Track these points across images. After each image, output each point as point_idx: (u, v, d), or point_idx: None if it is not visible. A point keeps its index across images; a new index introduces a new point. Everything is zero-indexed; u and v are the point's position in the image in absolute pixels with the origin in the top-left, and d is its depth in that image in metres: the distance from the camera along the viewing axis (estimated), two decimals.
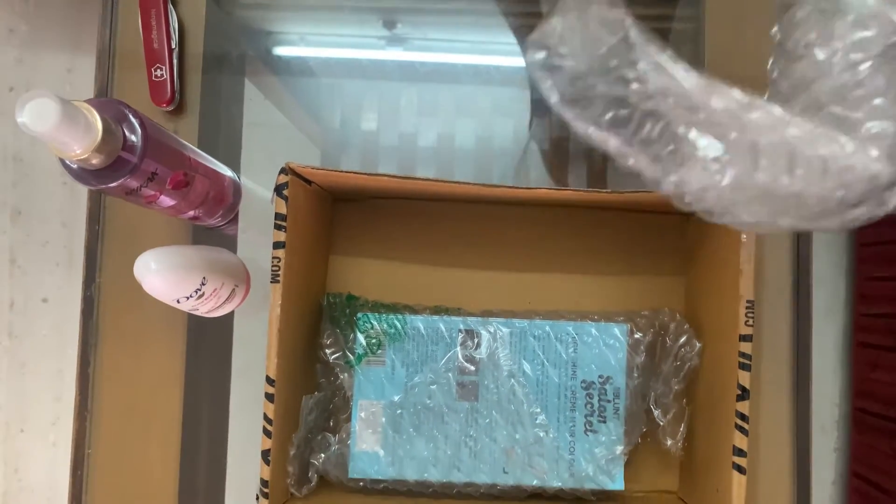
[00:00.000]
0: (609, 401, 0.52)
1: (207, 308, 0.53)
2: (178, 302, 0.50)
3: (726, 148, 0.32)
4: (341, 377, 0.53)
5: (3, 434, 1.36)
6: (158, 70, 0.58)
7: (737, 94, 0.32)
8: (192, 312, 0.53)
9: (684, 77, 0.32)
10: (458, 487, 0.52)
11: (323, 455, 0.52)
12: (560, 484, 0.52)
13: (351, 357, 0.52)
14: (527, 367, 0.52)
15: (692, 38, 0.61)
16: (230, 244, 0.59)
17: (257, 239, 0.59)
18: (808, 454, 0.57)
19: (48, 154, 0.40)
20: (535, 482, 0.52)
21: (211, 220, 0.56)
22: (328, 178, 0.49)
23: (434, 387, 0.52)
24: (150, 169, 0.44)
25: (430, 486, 0.53)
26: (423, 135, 0.61)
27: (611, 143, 0.33)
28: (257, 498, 0.46)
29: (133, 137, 0.42)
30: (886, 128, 0.33)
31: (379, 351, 0.52)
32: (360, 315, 0.53)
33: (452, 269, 0.57)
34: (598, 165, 0.61)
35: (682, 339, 0.53)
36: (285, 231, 0.46)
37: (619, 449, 0.52)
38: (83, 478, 0.57)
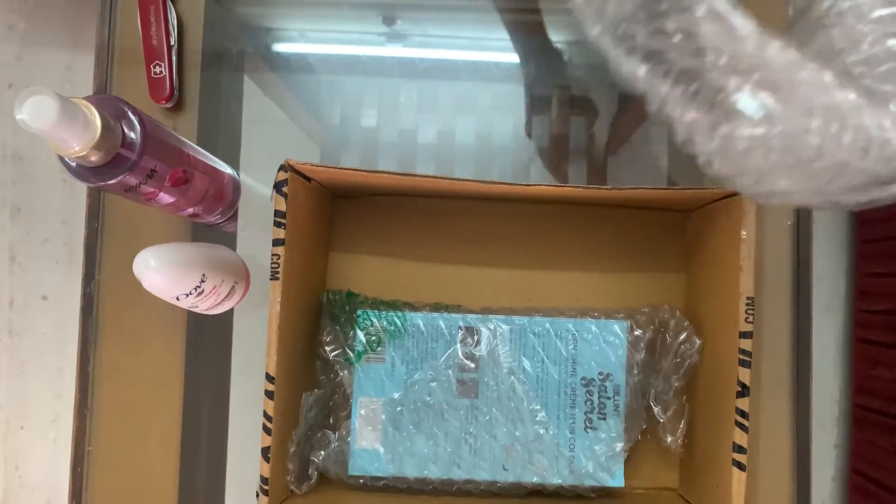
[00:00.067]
0: (609, 398, 0.52)
1: (207, 305, 0.53)
2: (177, 299, 0.50)
3: (779, 104, 0.30)
4: (341, 374, 0.53)
5: (3, 431, 1.36)
6: (157, 67, 0.57)
7: (792, 50, 0.30)
8: (191, 310, 0.53)
9: (742, 25, 0.30)
10: (458, 484, 0.52)
11: (323, 452, 0.52)
12: (560, 481, 0.52)
13: (351, 354, 0.52)
14: (527, 364, 0.52)
15: None
16: (230, 241, 0.59)
17: (257, 236, 0.58)
18: (808, 451, 0.57)
19: (47, 151, 0.40)
20: (535, 479, 0.52)
21: (210, 218, 0.56)
22: (328, 175, 0.49)
23: (434, 384, 0.52)
24: (149, 166, 0.44)
25: (430, 484, 0.53)
26: (422, 131, 0.61)
27: (649, 85, 0.32)
28: (257, 495, 0.46)
29: (132, 134, 0.42)
30: None
31: (379, 348, 0.52)
32: (359, 312, 0.53)
33: (452, 266, 0.57)
34: (598, 162, 0.61)
35: (682, 336, 0.53)
36: (285, 228, 0.46)
37: (619, 446, 0.52)
38: (83, 475, 0.57)
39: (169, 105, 0.58)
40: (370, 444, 0.52)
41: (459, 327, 0.52)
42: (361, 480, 0.53)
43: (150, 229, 0.58)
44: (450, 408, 0.52)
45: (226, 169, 0.56)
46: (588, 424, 0.52)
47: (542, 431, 0.52)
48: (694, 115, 0.31)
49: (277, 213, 0.46)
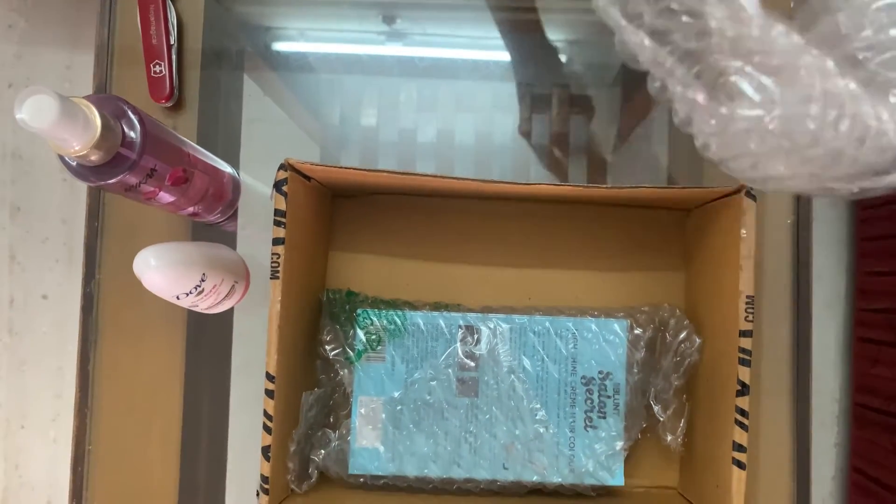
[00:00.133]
0: (609, 396, 0.52)
1: (207, 304, 0.53)
2: (177, 298, 0.50)
3: (779, 87, 0.31)
4: (341, 373, 0.53)
5: (3, 431, 1.36)
6: (157, 66, 0.57)
7: (795, 35, 0.31)
8: (191, 309, 0.53)
9: (749, 6, 0.30)
10: (458, 483, 0.52)
11: (323, 451, 0.52)
12: (560, 480, 0.52)
13: (351, 353, 0.52)
14: (527, 362, 0.52)
15: None
16: (230, 240, 0.59)
17: (257, 235, 0.59)
18: (807, 450, 0.57)
19: (47, 151, 0.40)
20: (535, 478, 0.52)
21: (210, 217, 0.56)
22: (327, 174, 0.49)
23: (434, 383, 0.52)
24: (149, 165, 0.44)
25: (430, 482, 0.53)
26: (422, 130, 0.61)
27: (656, 59, 0.32)
28: (257, 494, 0.46)
29: (132, 134, 0.42)
30: None
31: (379, 347, 0.52)
32: (359, 311, 0.53)
33: (452, 265, 0.57)
34: (598, 161, 0.61)
35: (682, 335, 0.53)
36: (285, 227, 0.46)
37: (619, 445, 0.52)
38: (84, 474, 0.57)
39: (169, 104, 0.58)
40: (370, 443, 0.52)
41: (459, 326, 0.52)
42: (362, 479, 0.53)
43: (150, 229, 0.58)
44: (450, 407, 0.52)
45: (226, 168, 0.56)
46: (588, 423, 0.52)
47: (542, 430, 0.52)
48: (694, 94, 0.31)
49: (277, 212, 0.46)
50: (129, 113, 0.43)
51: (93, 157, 0.40)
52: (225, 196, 0.56)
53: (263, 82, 0.61)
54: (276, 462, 0.47)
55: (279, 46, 0.63)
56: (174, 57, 0.58)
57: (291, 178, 0.46)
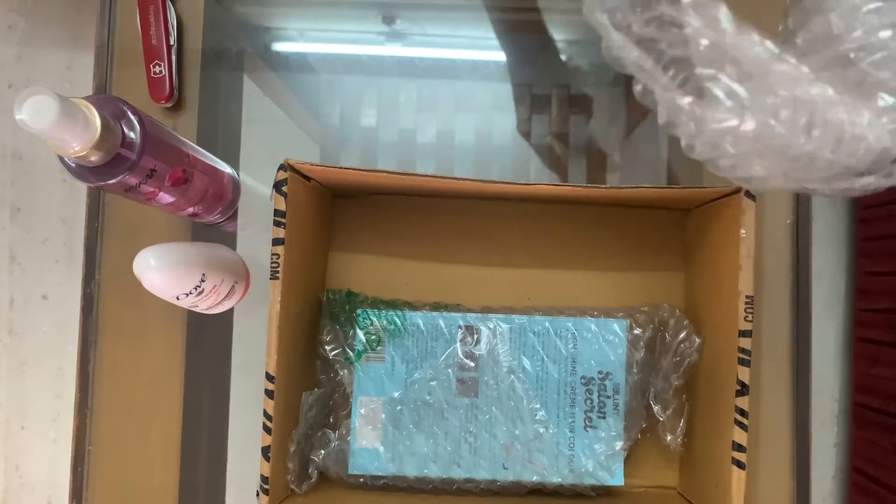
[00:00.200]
0: (609, 396, 0.52)
1: (207, 305, 0.53)
2: (177, 299, 0.50)
3: (750, 94, 0.32)
4: (341, 374, 0.53)
5: (3, 431, 1.36)
6: (157, 67, 0.57)
7: (768, 44, 0.32)
8: (191, 309, 0.53)
9: (723, 17, 0.32)
10: (458, 483, 0.52)
11: (323, 451, 0.52)
12: (560, 480, 0.52)
13: (350, 353, 0.52)
14: (526, 363, 0.52)
15: None
16: (229, 241, 0.59)
17: (257, 235, 0.59)
18: (807, 449, 0.57)
19: (47, 151, 0.40)
20: (534, 478, 0.52)
21: (210, 217, 0.56)
22: (327, 175, 0.49)
23: (434, 383, 0.52)
24: (148, 166, 0.44)
25: (430, 483, 0.53)
26: (422, 131, 0.61)
27: (639, 63, 0.33)
28: (257, 494, 0.46)
29: (132, 134, 0.42)
30: None
31: (378, 347, 0.52)
32: (359, 311, 0.53)
33: (452, 266, 0.57)
34: (598, 161, 0.61)
35: (682, 335, 0.53)
36: (284, 228, 0.46)
37: (619, 445, 0.52)
38: (84, 474, 0.57)
39: (168, 105, 0.58)
40: (370, 444, 0.52)
41: (459, 326, 0.53)
42: (361, 479, 0.53)
43: (150, 229, 0.58)
44: (450, 407, 0.52)
45: (225, 168, 0.56)
46: (588, 423, 0.52)
47: (541, 430, 0.52)
48: (673, 98, 0.33)
49: (277, 212, 0.46)
50: (129, 113, 0.43)
51: (92, 158, 0.41)
52: (225, 196, 0.56)
53: (263, 83, 0.61)
54: (276, 462, 0.47)
55: (279, 47, 0.63)
56: (174, 57, 0.58)
57: (291, 178, 0.46)
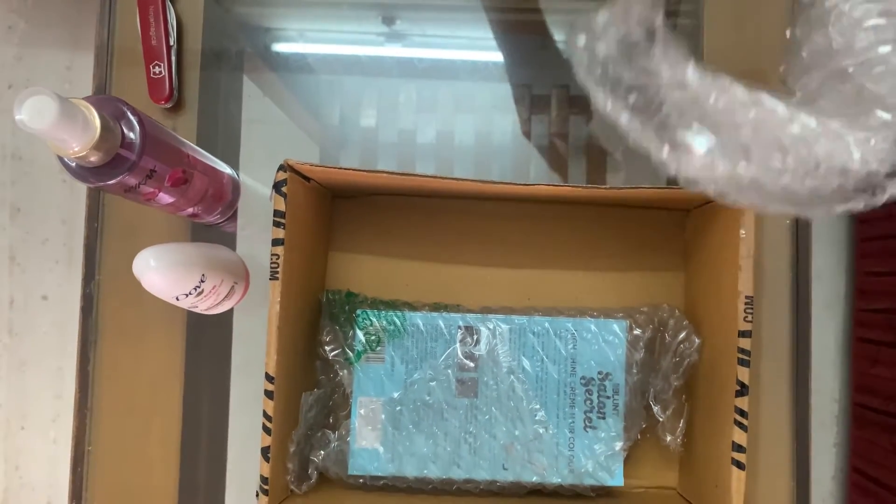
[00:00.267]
0: (608, 397, 0.52)
1: (206, 305, 0.53)
2: (177, 299, 0.50)
3: (719, 143, 0.34)
4: (341, 374, 0.53)
5: (3, 431, 1.36)
6: (157, 67, 0.58)
7: (739, 91, 0.34)
8: (191, 309, 0.53)
9: (691, 72, 0.34)
10: (458, 484, 0.52)
11: (323, 452, 0.52)
12: (559, 480, 0.52)
13: (350, 354, 0.52)
14: (526, 363, 0.52)
15: (691, 34, 0.61)
16: (229, 241, 0.59)
17: (256, 236, 0.59)
18: (807, 450, 0.57)
19: (47, 152, 0.40)
20: (534, 478, 0.52)
21: (210, 218, 0.56)
22: (327, 175, 0.49)
23: (433, 383, 0.52)
24: (148, 166, 0.44)
25: (430, 483, 0.53)
26: (422, 131, 0.61)
27: (624, 120, 0.36)
28: (257, 495, 0.46)
29: (131, 135, 0.42)
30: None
31: (378, 348, 0.52)
32: (359, 312, 0.53)
33: (452, 266, 0.57)
34: (598, 161, 0.61)
35: (682, 335, 0.53)
36: (284, 228, 0.46)
37: (619, 445, 0.52)
38: (83, 475, 0.58)
39: (168, 105, 0.58)
40: (370, 444, 0.52)
41: (459, 327, 0.53)
42: (361, 480, 0.53)
43: (149, 229, 0.58)
44: (449, 407, 0.52)
45: (225, 169, 0.56)
46: (587, 424, 0.52)
47: (541, 431, 0.52)
48: (656, 149, 0.35)
49: (277, 212, 0.46)
50: (129, 114, 0.43)
51: (92, 158, 0.41)
52: (224, 197, 0.56)
53: (263, 83, 0.62)
54: (276, 463, 0.47)
55: (279, 47, 0.63)
56: (174, 58, 0.58)
57: (291, 178, 0.46)
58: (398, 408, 0.52)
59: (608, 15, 0.35)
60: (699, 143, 0.34)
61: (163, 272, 0.48)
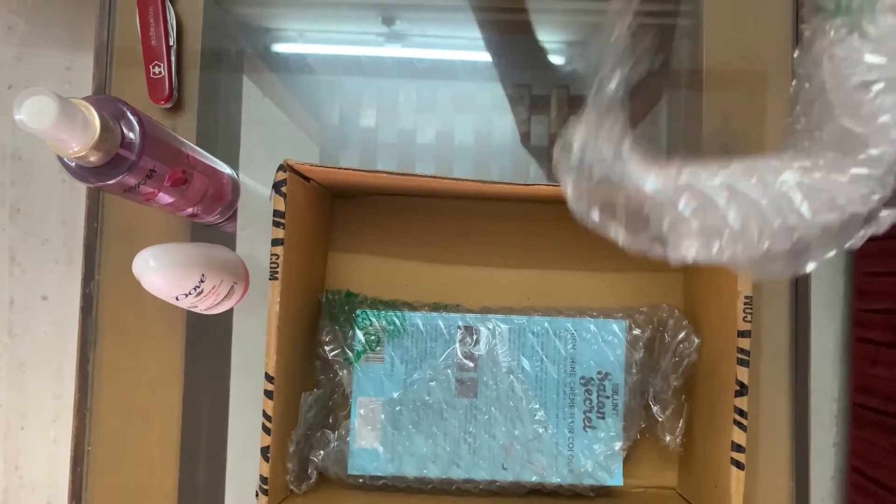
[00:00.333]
0: (608, 397, 0.52)
1: (206, 305, 0.53)
2: (176, 299, 0.50)
3: (693, 234, 0.37)
4: (340, 374, 0.53)
5: (3, 431, 1.36)
6: (156, 67, 0.58)
7: (705, 178, 0.37)
8: (190, 309, 0.53)
9: (653, 181, 0.38)
10: (458, 484, 0.53)
11: (322, 452, 0.52)
12: (559, 480, 0.52)
13: (350, 354, 0.52)
14: (525, 363, 0.52)
15: (691, 34, 0.61)
16: (229, 241, 0.59)
17: (256, 236, 0.59)
18: (806, 449, 0.57)
19: (47, 152, 0.40)
20: (534, 478, 0.52)
21: (209, 218, 0.57)
22: (327, 175, 0.49)
23: (433, 383, 0.52)
24: (148, 166, 0.44)
25: (430, 483, 0.53)
26: (421, 131, 0.61)
27: (605, 226, 0.40)
28: (257, 494, 0.46)
29: (131, 135, 0.42)
30: (883, 154, 0.36)
31: (378, 348, 0.52)
32: (358, 312, 0.53)
33: (451, 266, 0.57)
34: None
35: (681, 335, 0.53)
36: (284, 228, 0.46)
37: (618, 445, 0.52)
38: (83, 475, 0.58)
39: (168, 105, 0.58)
40: (369, 444, 0.52)
41: (458, 327, 0.53)
42: (361, 480, 0.53)
43: (149, 229, 0.58)
44: (449, 407, 0.52)
45: (225, 169, 0.56)
46: (587, 423, 0.52)
47: (541, 431, 0.52)
48: (635, 242, 0.39)
49: (276, 213, 0.46)
50: (128, 114, 0.43)
51: (92, 158, 0.41)
52: (224, 197, 0.56)
53: (263, 83, 0.62)
54: (276, 463, 0.47)
55: (278, 48, 0.63)
56: (173, 58, 0.58)
57: (290, 178, 0.46)
58: (398, 408, 0.52)
59: (584, 126, 0.39)
60: (684, 251, 0.37)
61: (162, 272, 0.48)
